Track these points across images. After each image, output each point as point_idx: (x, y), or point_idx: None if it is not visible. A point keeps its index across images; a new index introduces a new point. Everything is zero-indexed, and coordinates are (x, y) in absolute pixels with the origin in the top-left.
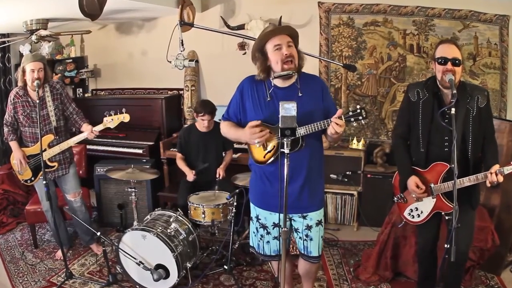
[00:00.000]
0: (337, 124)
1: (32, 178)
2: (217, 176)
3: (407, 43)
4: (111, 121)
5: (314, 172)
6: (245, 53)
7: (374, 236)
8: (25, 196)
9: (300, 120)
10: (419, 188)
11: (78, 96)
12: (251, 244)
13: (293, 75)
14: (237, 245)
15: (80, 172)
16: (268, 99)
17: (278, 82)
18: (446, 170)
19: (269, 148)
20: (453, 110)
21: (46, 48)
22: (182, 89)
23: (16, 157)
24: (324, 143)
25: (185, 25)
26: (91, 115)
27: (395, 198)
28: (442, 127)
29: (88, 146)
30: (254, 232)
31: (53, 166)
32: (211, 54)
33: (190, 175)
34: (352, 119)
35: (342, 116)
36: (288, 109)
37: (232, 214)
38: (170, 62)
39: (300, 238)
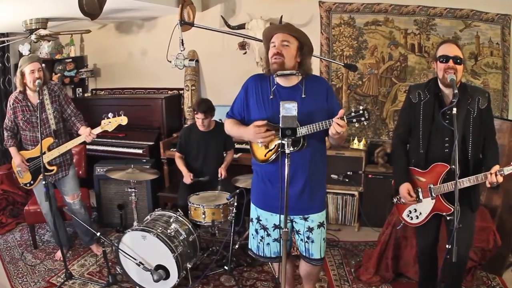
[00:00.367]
0: (338, 124)
1: (32, 182)
2: (219, 175)
3: (408, 43)
4: (109, 123)
5: (316, 173)
6: (245, 53)
7: (375, 237)
8: (25, 197)
9: (303, 120)
10: (410, 196)
11: (77, 96)
12: (249, 246)
13: (295, 75)
14: (237, 246)
15: (80, 172)
16: (271, 97)
17: (281, 81)
18: (446, 171)
19: (270, 147)
20: (454, 110)
21: (45, 48)
22: (182, 89)
23: (17, 163)
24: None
25: (185, 24)
26: (90, 115)
27: (395, 200)
28: (443, 128)
29: (87, 146)
30: (253, 234)
31: (52, 170)
32: (212, 53)
33: (188, 178)
34: (354, 120)
35: (344, 116)
36: (289, 109)
37: (233, 215)
38: (170, 61)
39: (301, 240)
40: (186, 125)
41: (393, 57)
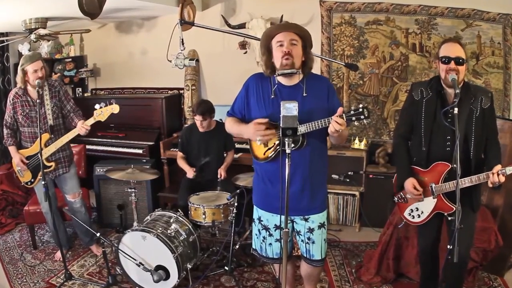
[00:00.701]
0: (336, 122)
1: (32, 180)
2: (219, 176)
3: (409, 42)
4: (101, 113)
5: (316, 173)
6: (246, 52)
7: (376, 237)
8: (24, 197)
9: (304, 119)
10: (417, 190)
11: (77, 95)
12: (253, 246)
13: (297, 74)
14: (238, 246)
15: (80, 172)
16: (272, 96)
17: (282, 80)
18: (447, 170)
19: (269, 145)
20: (456, 110)
21: (45, 47)
22: (182, 89)
23: (17, 163)
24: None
25: (186, 24)
26: (90, 115)
27: (396, 198)
28: (445, 127)
29: (87, 146)
30: (256, 234)
31: (50, 166)
32: (212, 53)
33: (191, 172)
34: (354, 118)
35: (343, 114)
36: (289, 108)
37: (233, 215)
38: (170, 61)
39: (302, 241)
40: (187, 125)
41: (394, 57)
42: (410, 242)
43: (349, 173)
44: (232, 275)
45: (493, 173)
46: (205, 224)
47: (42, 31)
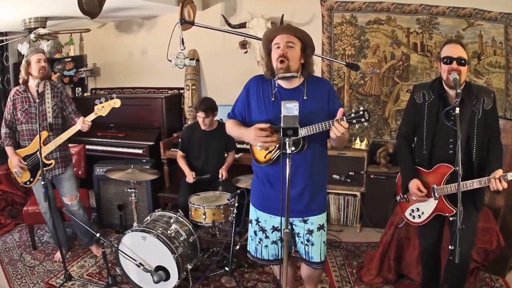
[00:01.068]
0: (339, 126)
1: (31, 179)
2: (220, 177)
3: (410, 42)
4: (102, 108)
5: (317, 176)
6: (246, 52)
7: (377, 238)
8: (23, 197)
9: (305, 122)
10: (421, 191)
11: (77, 95)
12: (248, 249)
13: (297, 77)
14: (238, 247)
15: (80, 172)
16: (273, 99)
17: (282, 83)
18: (449, 172)
19: (270, 148)
20: (457, 110)
21: (44, 47)
22: (182, 88)
23: (14, 164)
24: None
25: (186, 23)
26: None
27: (398, 197)
28: (447, 129)
29: (87, 146)
30: (251, 236)
31: (50, 164)
32: (212, 52)
33: (190, 177)
34: (354, 121)
35: (344, 117)
36: (290, 108)
37: (233, 215)
38: (171, 61)
39: (301, 243)
40: (188, 124)
41: (395, 56)
42: (412, 242)
43: (350, 173)
44: (232, 276)
45: (495, 179)
46: (206, 225)
47: (41, 31)
